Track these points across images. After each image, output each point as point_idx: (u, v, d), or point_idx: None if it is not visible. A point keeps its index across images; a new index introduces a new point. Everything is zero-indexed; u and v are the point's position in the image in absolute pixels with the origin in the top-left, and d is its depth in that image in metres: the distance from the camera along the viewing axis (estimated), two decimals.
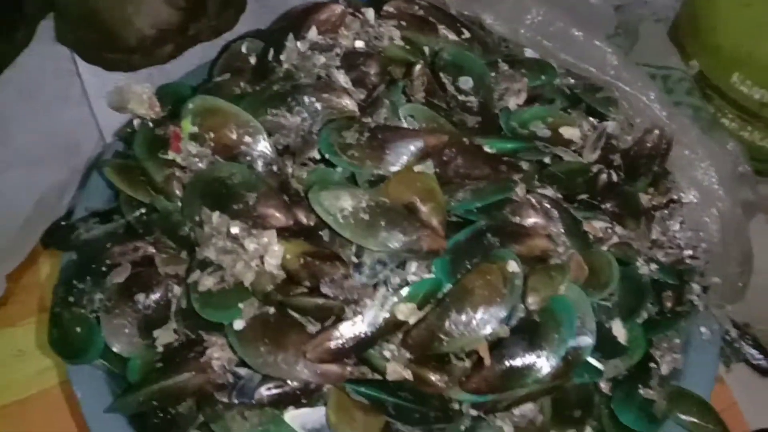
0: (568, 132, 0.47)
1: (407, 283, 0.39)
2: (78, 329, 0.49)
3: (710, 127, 0.64)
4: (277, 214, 0.40)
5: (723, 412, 0.71)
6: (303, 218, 0.43)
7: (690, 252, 0.51)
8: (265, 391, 0.43)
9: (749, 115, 0.82)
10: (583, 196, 0.50)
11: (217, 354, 0.46)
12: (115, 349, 0.49)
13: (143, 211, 0.51)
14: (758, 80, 0.80)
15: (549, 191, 0.48)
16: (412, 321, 0.39)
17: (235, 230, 0.41)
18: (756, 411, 0.73)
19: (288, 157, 0.45)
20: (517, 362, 0.39)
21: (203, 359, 0.46)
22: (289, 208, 0.41)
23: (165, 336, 0.49)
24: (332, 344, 0.38)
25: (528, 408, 0.44)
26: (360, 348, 0.39)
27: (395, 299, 0.38)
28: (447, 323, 0.39)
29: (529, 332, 0.40)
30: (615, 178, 0.49)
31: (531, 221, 0.43)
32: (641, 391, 0.49)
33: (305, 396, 0.44)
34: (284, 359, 0.40)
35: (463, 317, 0.39)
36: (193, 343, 0.47)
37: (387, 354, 0.40)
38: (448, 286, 0.40)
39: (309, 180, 0.44)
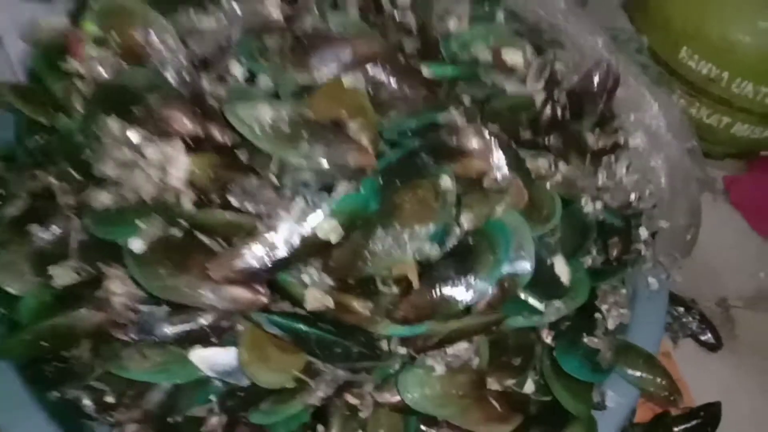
0: (511, 56, 0.44)
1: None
2: None
3: (658, 86, 0.63)
4: (184, 119, 0.36)
5: None
6: (217, 135, 0.38)
7: (636, 195, 0.48)
8: (169, 328, 0.38)
9: (696, 91, 0.82)
10: (527, 135, 0.47)
11: (118, 288, 0.41)
12: (3, 286, 0.43)
13: (44, 136, 0.46)
14: (705, 55, 0.79)
15: (493, 128, 0.45)
16: (333, 240, 0.35)
17: (134, 137, 0.36)
18: (702, 386, 0.72)
19: (203, 71, 0.40)
20: (448, 286, 0.35)
21: (101, 294, 0.41)
22: (198, 116, 0.37)
23: (63, 274, 0.43)
24: (241, 263, 0.34)
25: (462, 348, 0.40)
26: (274, 270, 0.35)
27: (315, 214, 0.34)
28: (373, 241, 0.35)
29: (461, 255, 0.36)
30: (559, 113, 0.46)
31: (469, 144, 0.39)
32: (585, 340, 0.46)
33: (215, 334, 0.39)
34: (188, 282, 0.35)
35: (391, 234, 0.35)
36: (93, 280, 0.42)
37: (306, 279, 0.36)
38: (376, 209, 0.36)
39: (226, 95, 0.39)
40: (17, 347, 0.41)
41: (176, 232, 0.37)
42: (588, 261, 0.48)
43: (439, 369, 0.38)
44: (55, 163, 0.46)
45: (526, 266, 0.37)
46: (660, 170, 0.50)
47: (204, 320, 0.39)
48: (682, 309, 0.76)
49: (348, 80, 0.39)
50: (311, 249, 0.35)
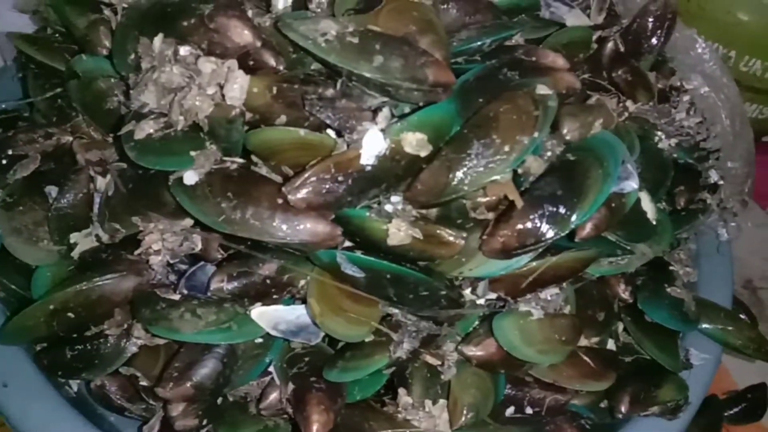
0: None
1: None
2: None
3: None
4: (242, 27, 0.31)
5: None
6: (270, 59, 0.34)
7: (702, 137, 0.45)
8: (226, 282, 0.33)
9: None
10: (585, 76, 0.44)
11: (157, 245, 0.35)
12: (15, 253, 0.37)
13: (58, 91, 0.41)
14: (711, 34, 0.77)
15: None
16: (423, 154, 0.30)
17: (184, 51, 0.31)
18: (740, 369, 0.68)
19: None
20: (555, 204, 0.31)
21: (138, 252, 0.35)
22: (257, 28, 0.32)
23: (85, 242, 0.38)
24: (321, 183, 0.29)
25: (553, 292, 0.35)
26: (358, 190, 0.30)
27: (401, 125, 0.30)
28: (467, 155, 0.30)
29: (566, 171, 0.32)
30: (621, 48, 0.43)
31: (550, 61, 0.36)
32: (669, 290, 0.42)
33: (277, 289, 0.34)
34: (256, 213, 0.30)
35: (490, 147, 0.30)
36: (124, 241, 0.37)
37: (389, 209, 0.31)
38: (460, 125, 0.32)
39: (278, 19, 0.35)
40: (31, 325, 0.35)
41: (232, 164, 0.32)
42: (661, 208, 0.44)
43: (537, 313, 0.34)
44: (69, 119, 0.41)
45: (633, 185, 0.33)
46: (720, 112, 0.47)
47: (263, 272, 0.33)
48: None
49: None
50: (396, 167, 0.30)
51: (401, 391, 0.35)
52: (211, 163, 0.32)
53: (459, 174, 0.30)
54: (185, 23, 0.32)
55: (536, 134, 0.30)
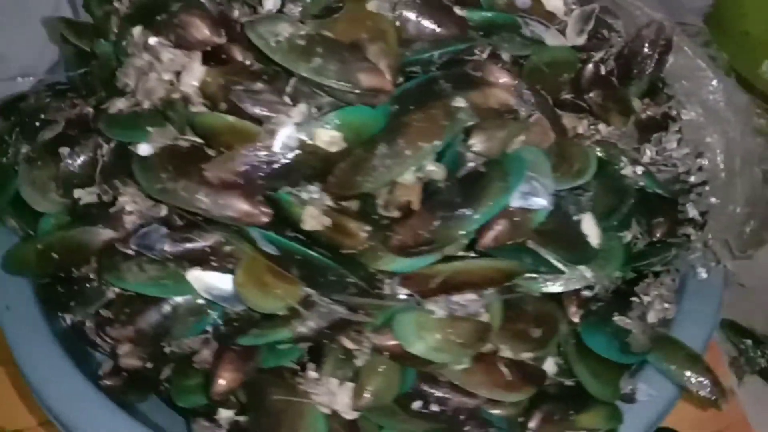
0: (551, 2, 0.41)
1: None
2: None
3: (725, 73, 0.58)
4: (203, 26, 0.36)
5: (731, 426, 0.62)
6: (238, 54, 0.38)
7: (686, 169, 0.44)
8: (169, 245, 0.38)
9: None
10: (569, 97, 0.44)
11: (130, 206, 0.41)
12: (28, 200, 0.44)
13: (86, 69, 0.48)
14: None
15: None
16: (333, 149, 0.33)
17: (152, 41, 0.36)
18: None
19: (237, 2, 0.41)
20: (451, 212, 0.32)
21: (114, 211, 0.41)
22: (217, 26, 0.37)
23: (87, 197, 0.44)
24: (236, 165, 0.33)
25: (469, 298, 0.37)
26: (270, 176, 0.33)
27: (317, 122, 0.33)
28: (374, 157, 0.33)
29: (471, 181, 0.33)
30: (603, 71, 0.43)
31: (494, 77, 0.37)
32: (616, 319, 0.42)
33: (216, 258, 0.38)
34: (185, 186, 0.34)
35: (393, 150, 0.33)
36: (111, 202, 0.43)
37: (305, 197, 0.34)
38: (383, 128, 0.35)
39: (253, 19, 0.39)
40: (27, 256, 0.42)
41: (184, 142, 0.37)
42: (627, 236, 0.43)
43: (439, 312, 0.35)
44: (94, 92, 0.47)
45: (541, 202, 0.34)
46: (715, 146, 0.45)
47: (205, 241, 0.38)
48: (750, 342, 0.69)
49: (373, 4, 0.38)
50: (311, 159, 0.33)
51: (310, 365, 0.38)
52: (167, 139, 0.37)
53: (364, 172, 0.33)
54: (159, 18, 0.37)
55: (437, 142, 0.32)
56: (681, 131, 0.45)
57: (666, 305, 0.48)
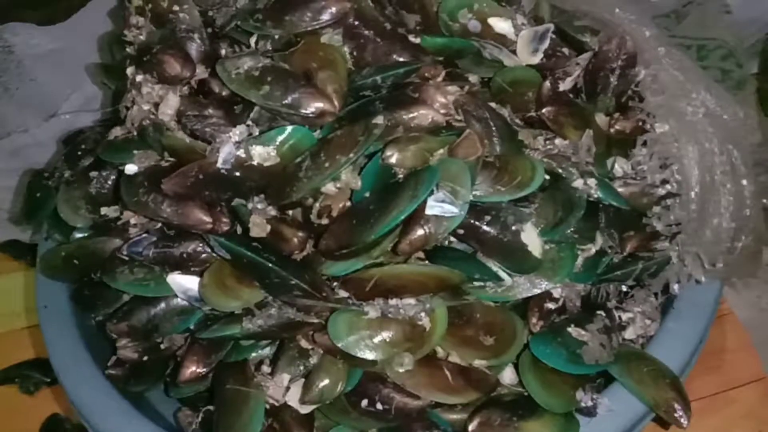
0: (499, 24, 0.43)
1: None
2: (38, 194, 0.54)
3: (736, 89, 0.56)
4: (173, 62, 0.42)
5: None
6: (215, 87, 0.44)
7: (653, 182, 0.43)
8: (152, 250, 0.43)
9: None
10: (534, 114, 0.46)
11: (133, 220, 0.47)
12: (63, 216, 0.52)
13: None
14: None
15: (505, 111, 0.44)
16: (265, 163, 0.37)
17: (138, 77, 0.43)
18: None
19: (223, 41, 0.47)
20: (365, 218, 0.35)
21: (121, 224, 0.48)
22: (191, 63, 0.43)
23: (112, 214, 0.52)
24: (186, 178, 0.38)
25: (408, 303, 0.39)
26: (216, 188, 0.38)
27: (254, 140, 0.38)
28: (300, 169, 0.37)
29: (389, 191, 0.36)
30: (562, 87, 0.44)
31: (429, 98, 0.40)
32: (570, 330, 0.42)
33: (194, 264, 0.44)
34: (153, 199, 0.40)
35: (316, 162, 0.36)
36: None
37: (249, 207, 0.39)
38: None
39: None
40: (56, 262, 0.49)
41: (165, 163, 0.43)
42: (591, 249, 0.44)
43: (372, 314, 0.38)
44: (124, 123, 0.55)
45: (453, 210, 0.36)
46: (690, 159, 0.44)
47: (184, 249, 0.44)
48: None
49: (325, 37, 0.42)
50: (251, 173, 0.38)
51: (266, 361, 0.42)
52: (151, 161, 0.43)
53: (292, 183, 0.37)
54: (145, 58, 0.44)
55: (351, 155, 0.36)
56: (653, 144, 0.45)
57: (648, 321, 0.47)
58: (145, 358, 0.47)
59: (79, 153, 0.56)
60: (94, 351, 0.50)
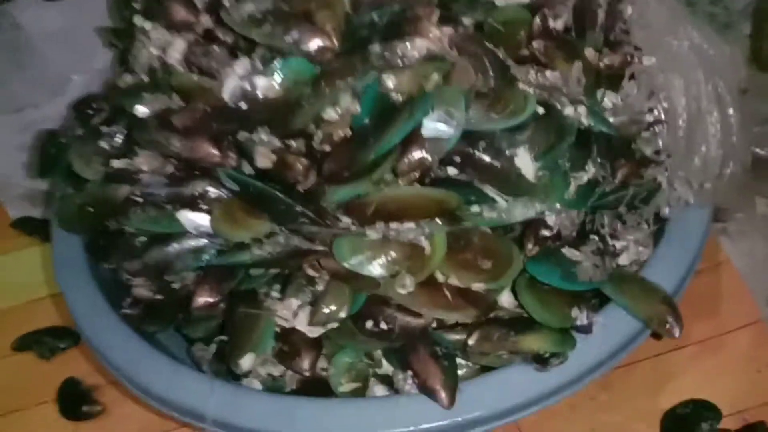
0: None
1: None
2: (52, 150, 0.56)
3: (723, 31, 0.57)
4: (179, 7, 0.44)
5: None
6: (220, 34, 0.46)
7: (642, 109, 0.45)
8: (164, 190, 0.46)
9: None
10: (525, 53, 0.47)
11: (144, 166, 0.49)
12: (76, 169, 0.54)
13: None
14: None
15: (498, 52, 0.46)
16: (270, 95, 0.40)
17: (147, 25, 0.45)
18: None
19: None
20: (366, 139, 0.38)
21: (133, 170, 0.50)
22: (196, 9, 0.45)
23: (121, 165, 0.54)
24: (195, 113, 0.40)
25: (407, 227, 0.41)
26: (224, 118, 0.40)
27: (259, 73, 0.40)
28: (303, 98, 0.39)
29: (385, 117, 0.38)
30: (553, 24, 0.46)
31: (423, 30, 0.42)
32: (565, 251, 0.44)
33: (204, 202, 0.46)
34: (165, 136, 0.42)
35: (316, 90, 0.39)
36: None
37: (255, 138, 0.41)
38: None
39: None
40: (71, 211, 0.51)
41: (174, 105, 0.45)
42: (584, 177, 0.45)
43: (373, 235, 0.40)
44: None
45: (449, 130, 0.38)
46: (677, 90, 0.46)
47: (194, 188, 0.46)
48: None
49: None
50: (257, 105, 0.40)
51: (275, 287, 0.44)
52: (161, 104, 0.45)
53: (295, 111, 0.39)
54: (156, 10, 0.46)
55: (350, 79, 0.38)
56: (640, 76, 0.46)
57: (641, 248, 0.49)
58: (159, 297, 0.49)
59: (90, 112, 0.58)
60: (109, 298, 0.52)
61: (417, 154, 0.38)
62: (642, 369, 0.62)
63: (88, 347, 0.50)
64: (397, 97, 0.39)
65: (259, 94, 0.39)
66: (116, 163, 0.53)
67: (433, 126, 0.37)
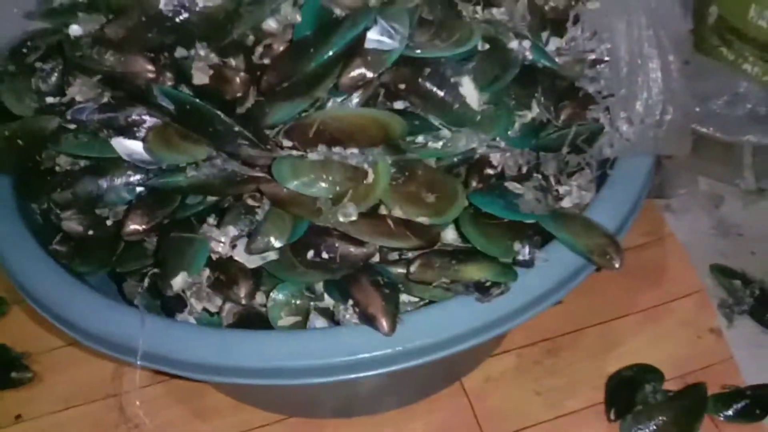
0: None
1: None
2: None
3: None
4: None
5: (717, 365, 0.62)
6: None
7: (585, 49, 0.46)
8: (96, 115, 0.44)
9: None
10: None
11: (78, 96, 0.47)
12: (8, 105, 0.51)
13: None
14: None
15: None
16: (209, 4, 0.38)
17: None
18: (757, 370, 0.62)
19: None
20: (307, 49, 0.37)
21: (66, 101, 0.48)
22: None
23: (54, 102, 0.51)
24: (128, 20, 0.39)
25: (351, 151, 0.40)
26: (159, 29, 0.39)
27: None
28: (242, 7, 0.38)
29: (327, 27, 0.38)
30: None
31: None
32: (508, 184, 0.44)
33: (138, 129, 0.44)
34: (98, 51, 0.41)
35: (257, 1, 0.37)
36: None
37: (192, 53, 0.40)
38: None
39: None
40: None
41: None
42: (528, 115, 0.45)
43: (313, 157, 0.39)
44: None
45: (393, 44, 0.37)
46: (620, 32, 0.47)
47: (128, 114, 0.44)
48: (739, 283, 0.67)
49: None
50: (194, 17, 0.39)
51: (212, 215, 0.42)
52: (96, 24, 0.43)
53: (233, 20, 0.38)
54: None
55: None
56: (584, 19, 0.47)
57: (583, 192, 0.49)
58: (91, 232, 0.46)
59: (25, 51, 0.56)
60: (39, 238, 0.49)
61: (359, 68, 0.37)
62: (588, 335, 0.64)
63: (16, 288, 0.47)
64: (341, 13, 0.38)
65: (199, 4, 0.38)
66: (50, 100, 0.51)
67: (377, 38, 0.37)
